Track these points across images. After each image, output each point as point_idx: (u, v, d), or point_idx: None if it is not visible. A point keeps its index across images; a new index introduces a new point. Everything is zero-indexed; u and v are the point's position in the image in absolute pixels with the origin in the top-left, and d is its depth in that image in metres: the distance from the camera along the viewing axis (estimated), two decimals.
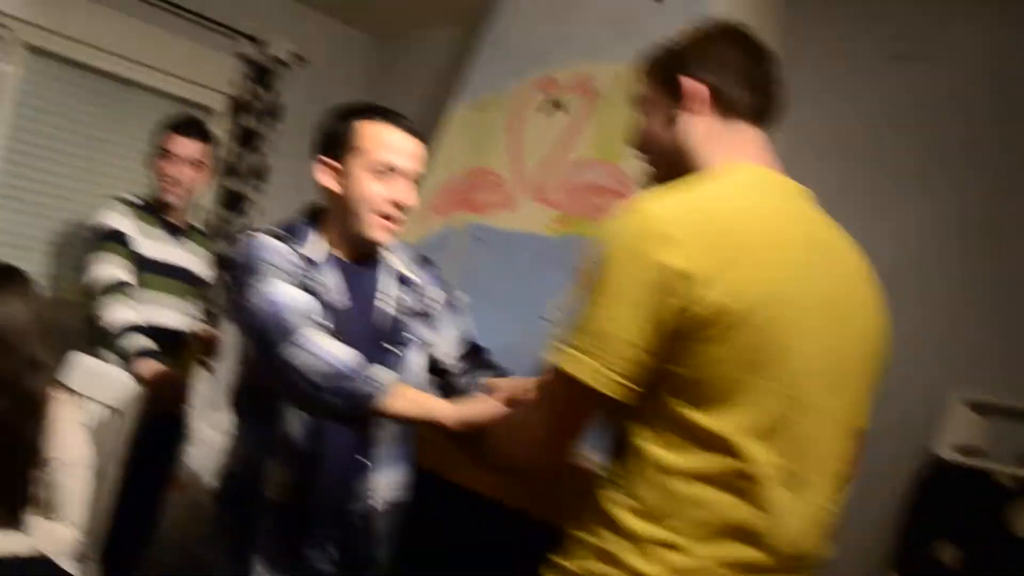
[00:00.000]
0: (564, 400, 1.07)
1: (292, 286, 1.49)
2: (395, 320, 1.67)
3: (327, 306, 1.56)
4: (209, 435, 3.25)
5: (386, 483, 1.70)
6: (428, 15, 3.89)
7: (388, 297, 1.68)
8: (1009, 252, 2.16)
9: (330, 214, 1.66)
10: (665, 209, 1.04)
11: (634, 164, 2.28)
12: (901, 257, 2.29)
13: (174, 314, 2.66)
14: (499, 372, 1.75)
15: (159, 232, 2.66)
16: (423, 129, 3.33)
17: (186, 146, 2.65)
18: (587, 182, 2.38)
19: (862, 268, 1.21)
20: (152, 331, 2.45)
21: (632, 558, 1.02)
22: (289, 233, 1.62)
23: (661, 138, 1.24)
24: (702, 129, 1.19)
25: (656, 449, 1.03)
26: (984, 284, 2.19)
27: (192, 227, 2.82)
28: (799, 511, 1.07)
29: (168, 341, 2.60)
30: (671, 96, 1.21)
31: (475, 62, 2.97)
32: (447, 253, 2.76)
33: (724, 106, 1.19)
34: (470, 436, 1.33)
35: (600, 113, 2.42)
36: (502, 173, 2.63)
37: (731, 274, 1.00)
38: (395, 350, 1.66)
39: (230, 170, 3.71)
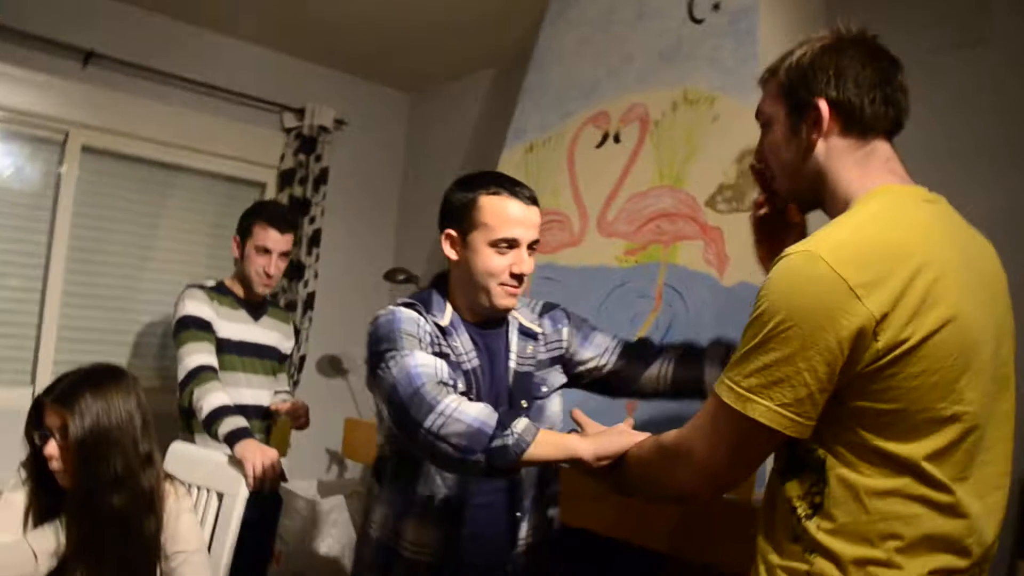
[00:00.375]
0: (734, 436, 1.09)
1: (428, 353, 1.54)
2: (527, 374, 1.73)
3: (460, 369, 1.62)
4: (301, 506, 3.28)
5: (532, 528, 1.74)
6: (457, 65, 3.96)
7: (516, 353, 1.73)
8: None
9: (456, 281, 1.73)
10: (844, 256, 1.02)
11: (696, 186, 2.30)
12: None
13: (260, 392, 2.72)
14: (679, 350, 1.76)
15: (238, 313, 2.71)
16: (462, 172, 3.41)
17: (279, 241, 2.70)
18: (652, 209, 2.39)
19: (997, 264, 1.21)
20: (242, 410, 2.48)
21: None
22: (421, 303, 1.69)
23: (789, 158, 1.23)
24: (837, 151, 1.17)
25: (850, 473, 1.05)
26: None
27: (268, 302, 2.87)
28: (987, 515, 1.10)
29: (258, 419, 2.67)
30: (799, 115, 1.20)
31: (521, 106, 3.00)
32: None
33: (857, 124, 1.17)
34: (610, 468, 1.37)
35: (656, 140, 2.44)
36: (564, 212, 2.64)
37: (912, 310, 1.01)
38: (531, 403, 1.71)
39: None
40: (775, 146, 1.25)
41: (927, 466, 1.04)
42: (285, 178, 3.85)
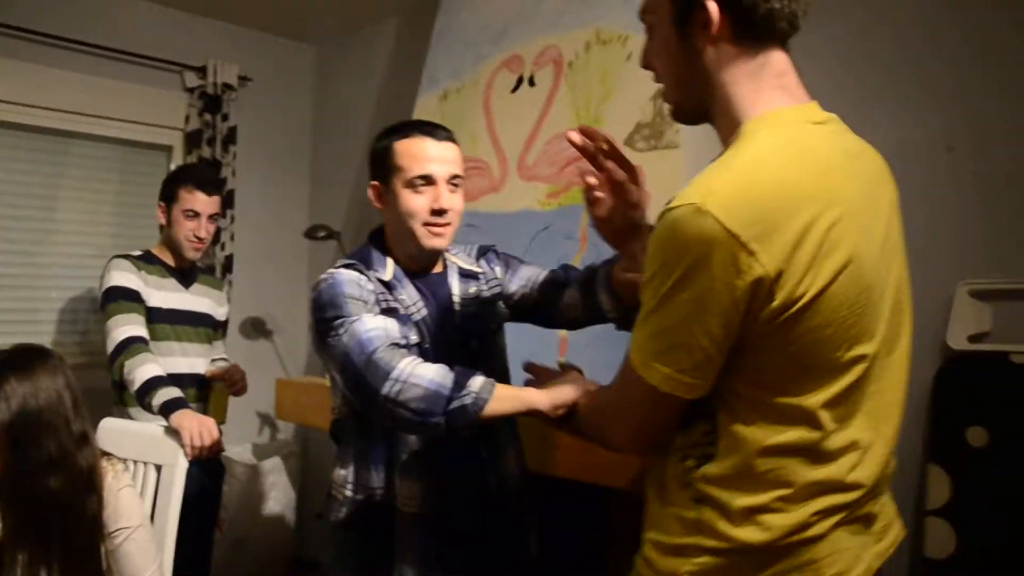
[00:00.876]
0: (644, 401, 1.07)
1: (375, 315, 1.55)
2: (473, 314, 1.75)
3: (410, 321, 1.64)
4: (239, 471, 3.26)
5: (509, 462, 1.79)
6: (363, 13, 3.87)
7: (460, 295, 1.75)
8: (995, 147, 2.23)
9: (389, 232, 1.73)
10: (733, 207, 0.94)
11: (614, 126, 2.33)
12: (895, 169, 2.35)
13: (195, 360, 2.69)
14: (583, 275, 1.77)
15: (168, 281, 2.66)
16: (374, 123, 3.33)
17: (208, 203, 2.65)
18: (571, 151, 2.40)
19: (889, 180, 1.17)
20: (176, 380, 2.44)
21: (728, 527, 1.04)
22: (361, 261, 1.68)
23: (675, 66, 1.11)
24: (728, 59, 1.06)
25: (742, 427, 1.03)
26: (980, 178, 2.25)
27: (198, 269, 2.81)
28: (881, 444, 1.10)
29: (194, 387, 2.64)
30: (686, 16, 1.06)
31: (432, 53, 2.97)
32: None
33: (751, 27, 1.05)
34: (566, 416, 1.39)
35: (571, 82, 2.45)
36: (483, 158, 2.65)
37: (807, 262, 0.95)
38: (482, 342, 1.75)
39: None
40: (660, 52, 1.13)
41: (822, 414, 1.02)
42: (192, 139, 3.73)
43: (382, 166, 1.69)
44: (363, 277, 1.63)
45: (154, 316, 2.57)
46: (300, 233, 3.78)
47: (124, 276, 2.53)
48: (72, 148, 3.59)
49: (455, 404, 1.38)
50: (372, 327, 1.49)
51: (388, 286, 1.66)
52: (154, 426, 2.23)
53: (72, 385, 1.83)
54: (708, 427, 1.06)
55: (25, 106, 3.36)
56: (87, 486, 1.80)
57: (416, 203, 1.64)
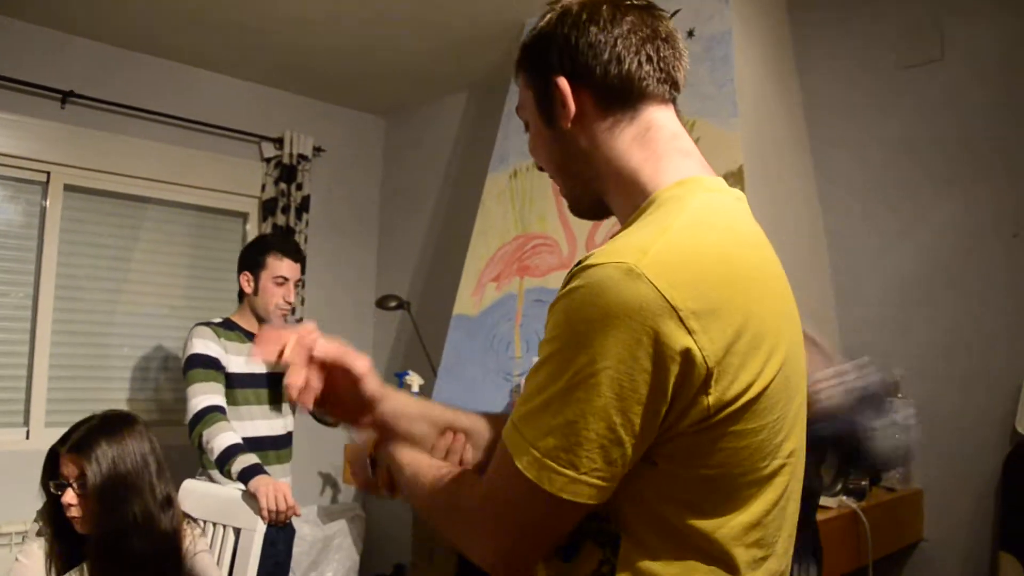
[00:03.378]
0: (532, 510, 0.81)
1: None
2: None
3: None
4: (305, 533, 3.33)
5: None
6: (432, 88, 4.03)
7: None
8: None
9: None
10: (670, 271, 0.76)
11: None
12: (956, 256, 2.40)
13: (275, 422, 2.74)
14: None
15: (247, 347, 2.70)
16: (441, 195, 3.43)
17: (294, 269, 2.73)
18: None
19: (780, 265, 0.94)
20: (258, 442, 2.54)
21: None
22: None
23: (555, 158, 0.99)
24: (602, 134, 0.94)
25: (650, 563, 0.83)
26: None
27: None
28: (785, 555, 0.92)
29: (274, 449, 2.70)
30: (547, 101, 0.96)
31: (502, 131, 3.08)
32: (507, 319, 2.87)
33: (613, 94, 0.93)
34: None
35: None
36: (552, 236, 2.73)
37: (746, 354, 0.79)
38: None
39: None
40: (538, 147, 1.01)
41: (737, 550, 0.84)
42: (267, 207, 3.89)
43: None
44: None
45: (234, 381, 2.63)
46: (368, 301, 3.89)
47: (205, 344, 2.61)
48: (158, 214, 3.77)
49: None
50: None
51: None
52: (233, 489, 2.31)
53: (156, 450, 1.92)
54: (604, 556, 0.85)
55: (111, 174, 3.55)
56: (170, 548, 1.88)
57: None
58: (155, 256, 3.75)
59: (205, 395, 2.51)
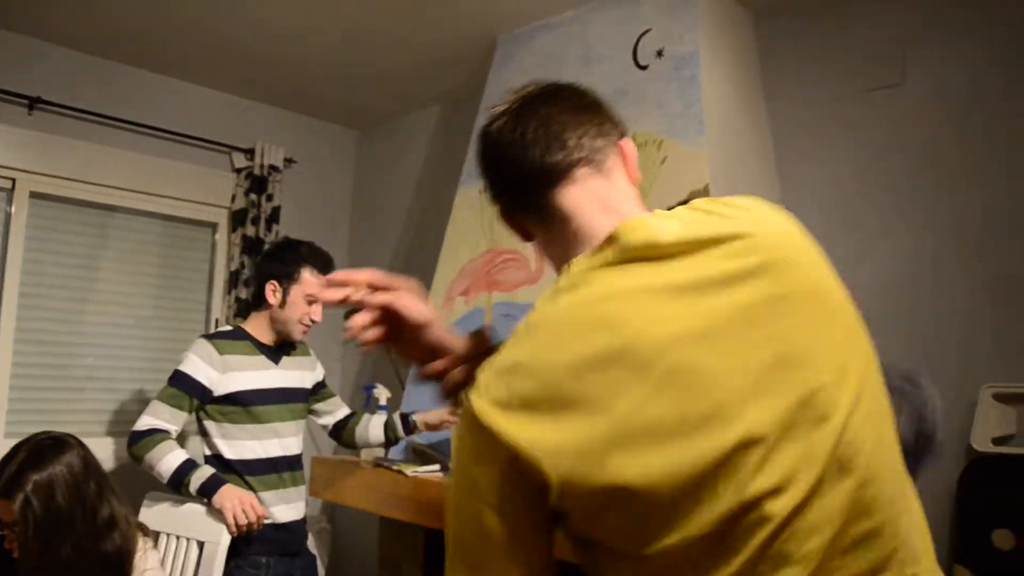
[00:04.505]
0: None
1: None
2: None
3: None
4: None
5: None
6: (405, 102, 4.05)
7: None
8: (1012, 251, 2.32)
9: None
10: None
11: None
12: (917, 272, 2.46)
13: (289, 440, 2.57)
14: None
15: (256, 359, 2.53)
16: (412, 208, 3.43)
17: None
18: None
19: None
20: (271, 464, 2.45)
21: None
22: None
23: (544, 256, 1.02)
24: (545, 242, 0.99)
25: None
26: (995, 282, 2.34)
27: (286, 343, 2.63)
28: None
29: (288, 470, 2.55)
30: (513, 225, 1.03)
31: (473, 146, 3.10)
32: None
33: (522, 203, 0.98)
34: None
35: None
36: (521, 252, 2.75)
37: None
38: None
39: (241, 281, 3.79)
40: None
41: None
42: (237, 218, 3.87)
43: None
44: None
45: (243, 400, 2.46)
46: (337, 313, 3.87)
47: (196, 364, 2.44)
48: (125, 223, 3.72)
49: None
50: None
51: None
52: (196, 504, 2.29)
53: (94, 471, 1.88)
54: None
55: (78, 182, 3.51)
56: (117, 568, 1.85)
57: None
58: (122, 265, 3.71)
59: (159, 418, 2.39)
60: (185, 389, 2.42)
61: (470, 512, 0.81)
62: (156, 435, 2.35)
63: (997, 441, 2.26)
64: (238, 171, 3.93)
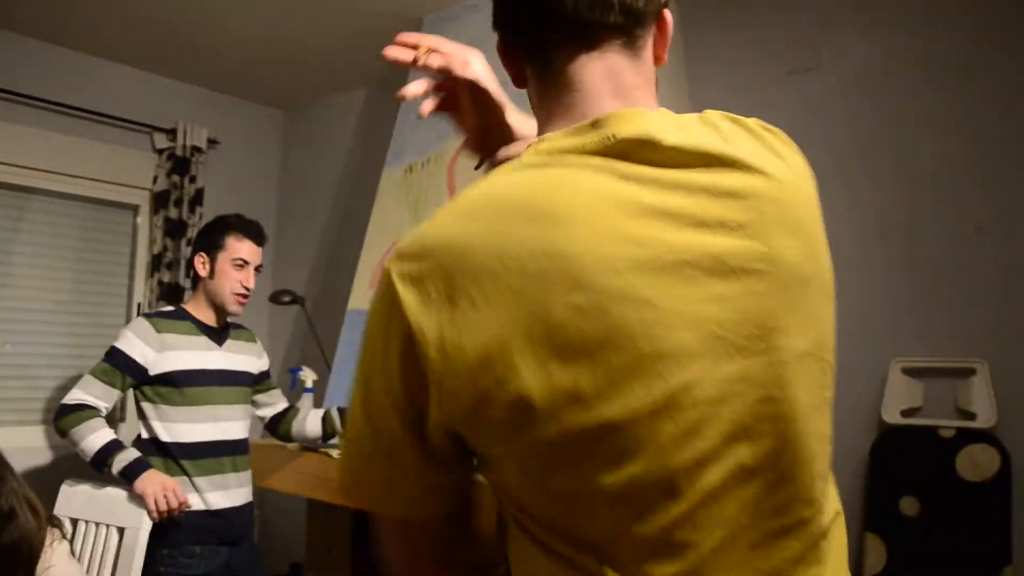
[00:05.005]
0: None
1: None
2: None
3: None
4: None
5: None
6: (332, 82, 4.00)
7: None
8: (929, 231, 2.41)
9: None
10: None
11: None
12: (836, 251, 2.53)
13: (231, 424, 2.51)
14: None
15: (199, 340, 2.49)
16: (339, 190, 3.40)
17: (256, 253, 2.53)
18: None
19: None
20: (212, 447, 2.40)
21: None
22: None
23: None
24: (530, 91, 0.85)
25: None
26: (912, 261, 2.43)
27: (230, 326, 2.61)
28: None
29: (229, 455, 2.49)
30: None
31: (399, 127, 3.09)
32: None
33: (522, 51, 0.84)
34: None
35: None
36: None
37: None
38: None
39: (165, 263, 3.71)
40: None
41: None
42: (159, 200, 3.79)
43: None
44: None
45: (180, 380, 2.40)
46: (263, 295, 3.83)
47: (133, 342, 2.39)
48: (43, 204, 3.62)
49: None
50: None
51: None
52: (116, 489, 2.25)
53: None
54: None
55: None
56: (13, 563, 1.79)
57: None
58: (40, 249, 3.61)
59: (89, 393, 2.34)
60: (118, 366, 2.36)
61: (367, 369, 0.74)
62: (85, 411, 2.30)
63: (906, 413, 2.35)
64: (159, 152, 3.84)
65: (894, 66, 2.49)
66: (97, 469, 2.27)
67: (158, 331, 2.42)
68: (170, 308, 2.56)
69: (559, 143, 0.75)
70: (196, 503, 2.34)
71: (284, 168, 4.47)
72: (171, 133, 3.83)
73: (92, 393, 2.35)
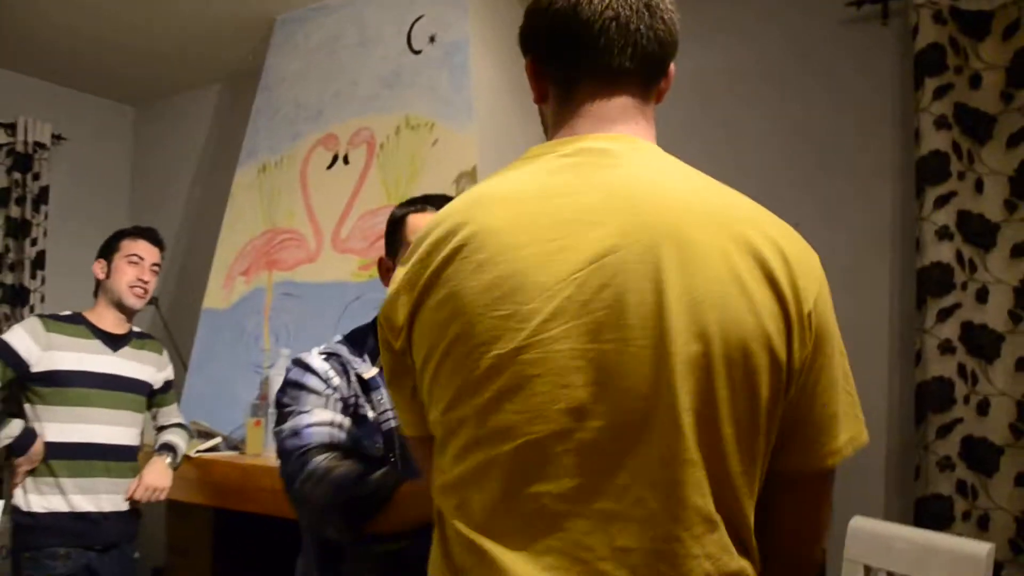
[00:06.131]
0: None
1: (327, 411, 1.39)
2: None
3: (380, 431, 1.41)
4: None
5: None
6: (184, 79, 3.94)
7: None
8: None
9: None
10: None
11: None
12: None
13: (116, 429, 2.48)
14: None
15: (91, 343, 2.48)
16: (193, 189, 3.36)
17: (151, 251, 2.55)
18: (383, 226, 2.59)
19: None
20: (92, 449, 2.37)
21: None
22: (353, 349, 1.47)
23: None
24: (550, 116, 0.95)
25: None
26: None
27: (132, 334, 2.60)
28: None
29: (116, 459, 2.46)
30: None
31: (252, 126, 3.09)
32: (256, 312, 2.89)
33: (549, 71, 0.93)
34: None
35: (382, 161, 2.65)
36: (300, 230, 2.79)
37: None
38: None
39: (7, 265, 3.57)
40: None
41: None
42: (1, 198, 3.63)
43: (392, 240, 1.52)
44: (333, 374, 1.43)
45: (66, 380, 2.39)
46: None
47: (20, 336, 2.38)
48: None
49: (353, 494, 1.27)
50: (315, 422, 1.37)
51: (366, 386, 1.44)
52: None
53: None
54: None
55: None
56: None
57: None
58: None
59: None
60: (6, 360, 2.34)
61: None
62: None
63: None
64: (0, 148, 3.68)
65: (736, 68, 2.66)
66: None
67: (47, 330, 2.42)
68: (68, 313, 2.56)
69: (538, 149, 0.90)
70: (59, 504, 2.32)
71: (135, 166, 4.35)
72: (10, 128, 3.68)
73: None
